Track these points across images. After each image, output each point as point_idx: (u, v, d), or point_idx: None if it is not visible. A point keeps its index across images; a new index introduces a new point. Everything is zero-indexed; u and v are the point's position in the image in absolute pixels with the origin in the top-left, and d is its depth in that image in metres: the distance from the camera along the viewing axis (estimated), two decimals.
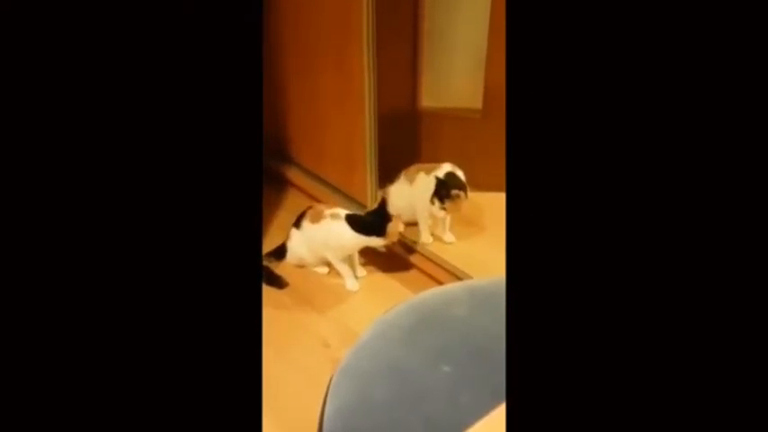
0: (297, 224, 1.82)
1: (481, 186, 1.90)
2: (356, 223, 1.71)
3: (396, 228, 1.71)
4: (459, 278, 1.72)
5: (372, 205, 1.87)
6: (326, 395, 0.85)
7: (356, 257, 1.83)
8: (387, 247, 1.86)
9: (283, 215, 2.05)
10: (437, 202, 1.77)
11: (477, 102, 2.00)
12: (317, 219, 1.77)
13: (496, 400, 0.58)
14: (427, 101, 2.08)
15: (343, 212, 1.73)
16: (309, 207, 1.83)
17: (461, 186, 1.77)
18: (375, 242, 1.72)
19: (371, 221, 1.71)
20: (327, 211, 1.76)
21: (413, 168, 1.88)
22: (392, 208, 1.86)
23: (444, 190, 1.76)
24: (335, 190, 2.05)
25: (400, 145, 2.04)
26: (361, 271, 1.85)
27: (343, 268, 1.80)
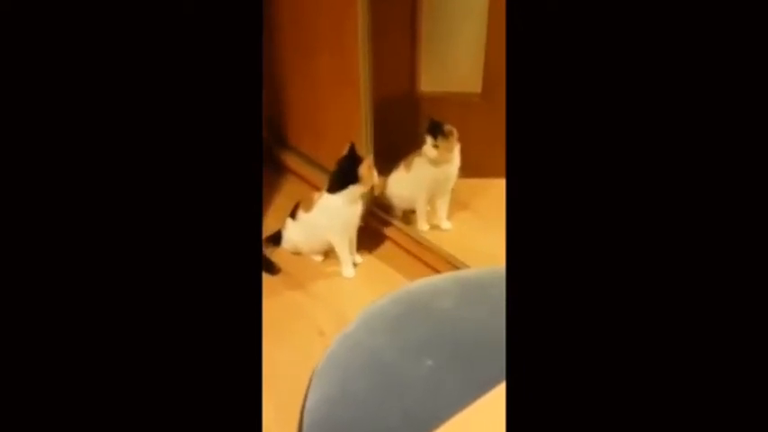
0: (293, 215, 1.84)
1: (480, 173, 1.89)
2: (331, 184, 1.71)
3: (366, 166, 1.68)
4: (455, 266, 1.70)
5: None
6: (309, 385, 0.85)
7: (354, 241, 1.83)
8: (383, 233, 1.85)
9: (280, 200, 2.04)
10: (429, 140, 1.76)
11: (476, 86, 1.98)
12: (309, 207, 1.78)
13: (477, 394, 0.58)
14: (426, 85, 2.06)
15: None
16: (301, 200, 1.84)
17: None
18: (357, 190, 1.69)
19: (341, 172, 1.70)
20: (317, 196, 1.78)
21: (411, 155, 1.87)
22: (393, 197, 1.88)
23: (437, 128, 1.75)
24: None
25: (399, 130, 2.02)
26: (358, 257, 1.85)
27: (345, 252, 1.79)
